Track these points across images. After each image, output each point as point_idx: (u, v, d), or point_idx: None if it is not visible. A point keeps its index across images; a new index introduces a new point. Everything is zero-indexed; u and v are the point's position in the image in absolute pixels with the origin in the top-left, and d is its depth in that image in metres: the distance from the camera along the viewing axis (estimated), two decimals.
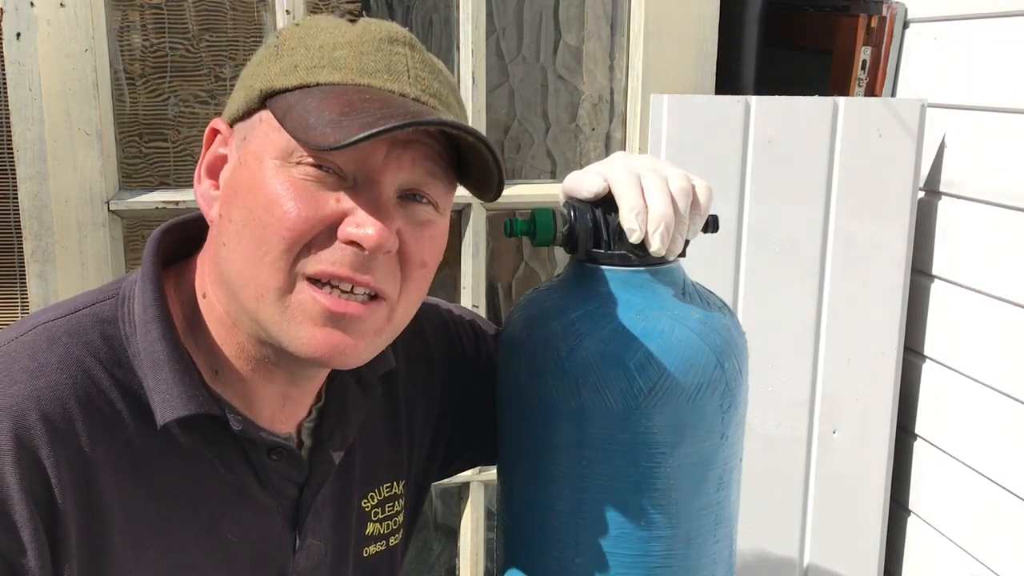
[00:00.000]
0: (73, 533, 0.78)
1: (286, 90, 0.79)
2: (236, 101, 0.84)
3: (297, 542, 0.91)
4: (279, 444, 0.88)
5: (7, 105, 1.47)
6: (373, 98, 0.77)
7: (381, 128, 0.73)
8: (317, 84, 0.79)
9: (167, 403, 0.81)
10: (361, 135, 0.72)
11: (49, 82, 1.46)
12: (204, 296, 0.86)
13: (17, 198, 1.49)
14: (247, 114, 0.83)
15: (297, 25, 0.84)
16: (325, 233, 0.78)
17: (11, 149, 1.49)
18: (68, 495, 0.78)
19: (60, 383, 0.79)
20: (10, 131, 1.47)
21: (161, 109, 1.68)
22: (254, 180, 0.79)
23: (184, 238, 0.90)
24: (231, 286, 0.81)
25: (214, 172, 0.85)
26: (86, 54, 1.47)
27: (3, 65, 1.48)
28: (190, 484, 0.85)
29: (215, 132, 0.86)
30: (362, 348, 0.81)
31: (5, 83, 1.50)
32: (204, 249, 0.87)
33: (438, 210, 0.84)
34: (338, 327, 0.79)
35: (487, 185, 0.83)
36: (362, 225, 0.77)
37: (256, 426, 0.86)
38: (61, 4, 1.45)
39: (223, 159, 0.85)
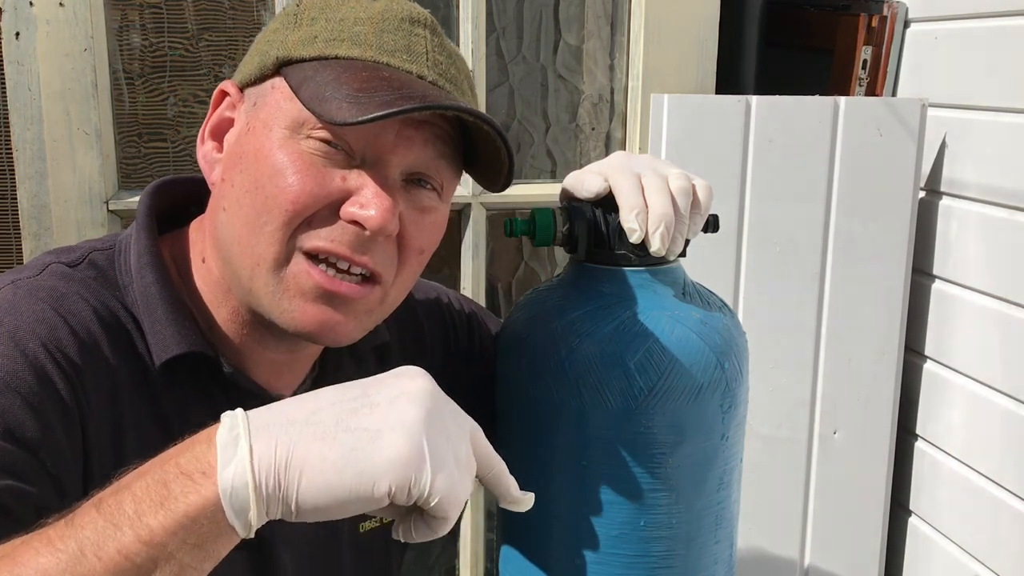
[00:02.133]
0: (95, 450, 0.78)
1: (303, 60, 0.79)
2: (249, 65, 0.83)
3: None
4: (270, 397, 0.87)
5: (6, 105, 1.47)
6: (391, 77, 0.77)
7: (399, 108, 0.72)
8: (336, 57, 0.78)
9: (161, 343, 0.82)
10: (379, 113, 0.72)
11: (48, 82, 1.46)
12: (204, 260, 0.86)
13: (16, 198, 1.49)
14: (259, 79, 0.82)
15: None
16: (327, 210, 0.78)
17: (10, 149, 1.49)
18: (95, 410, 0.78)
19: (83, 310, 0.80)
20: (9, 131, 1.47)
21: (160, 109, 1.67)
22: (261, 148, 0.79)
23: (178, 196, 0.91)
24: (227, 252, 0.81)
25: (219, 134, 0.85)
26: (85, 54, 1.47)
27: (2, 65, 1.48)
28: (184, 428, 0.84)
29: (224, 94, 0.85)
30: (352, 327, 0.82)
31: (4, 83, 1.50)
32: (206, 213, 0.87)
33: (441, 196, 0.84)
34: (330, 304, 0.79)
35: (495, 175, 0.83)
36: (366, 206, 0.77)
37: (248, 376, 0.87)
38: (60, 4, 1.45)
39: (229, 122, 0.84)
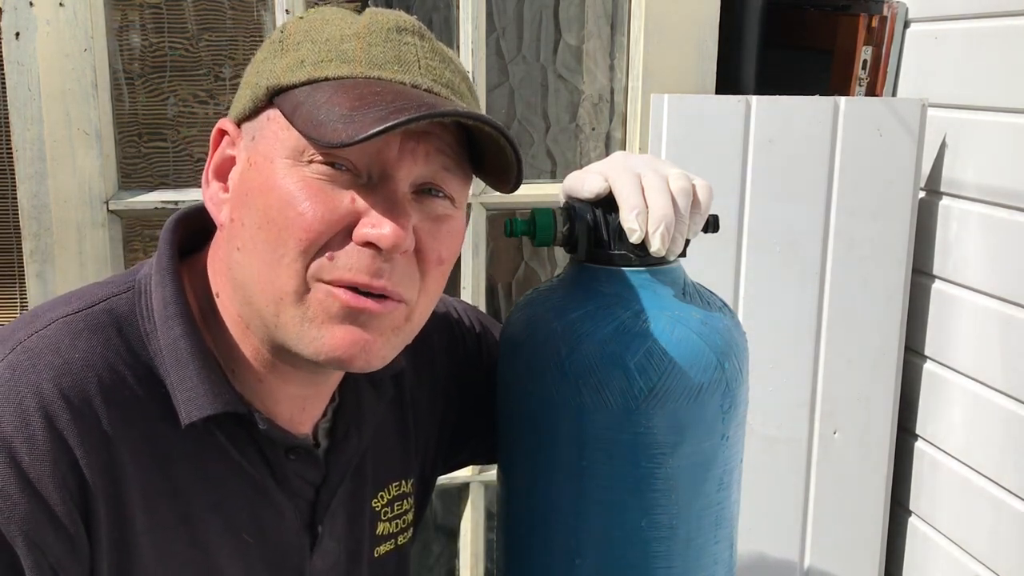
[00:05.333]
0: (104, 536, 0.78)
1: (293, 86, 0.78)
2: (242, 100, 0.82)
3: (314, 544, 0.91)
4: (298, 444, 0.87)
5: (6, 105, 1.47)
6: (385, 91, 0.75)
7: (395, 122, 0.71)
8: (325, 78, 0.77)
9: (193, 401, 0.80)
10: (374, 130, 0.70)
11: (48, 82, 1.46)
12: (218, 296, 0.84)
13: (16, 198, 1.49)
14: (254, 113, 0.81)
15: (301, 18, 0.82)
16: (342, 234, 0.76)
17: (10, 149, 1.49)
18: (99, 492, 0.77)
19: (87, 380, 0.77)
20: (9, 131, 1.47)
21: (160, 109, 1.68)
22: (266, 182, 0.77)
23: (197, 226, 0.89)
24: (246, 291, 0.80)
25: (222, 174, 0.83)
26: (85, 54, 1.47)
27: (2, 65, 1.48)
28: (212, 484, 0.84)
29: (222, 133, 0.84)
30: (381, 345, 0.79)
31: (4, 83, 1.50)
32: (213, 249, 0.86)
33: (454, 204, 0.82)
34: (356, 323, 0.77)
35: (504, 177, 0.82)
36: (377, 225, 0.75)
37: (278, 426, 0.86)
38: (60, 4, 1.45)
39: (231, 160, 0.83)
